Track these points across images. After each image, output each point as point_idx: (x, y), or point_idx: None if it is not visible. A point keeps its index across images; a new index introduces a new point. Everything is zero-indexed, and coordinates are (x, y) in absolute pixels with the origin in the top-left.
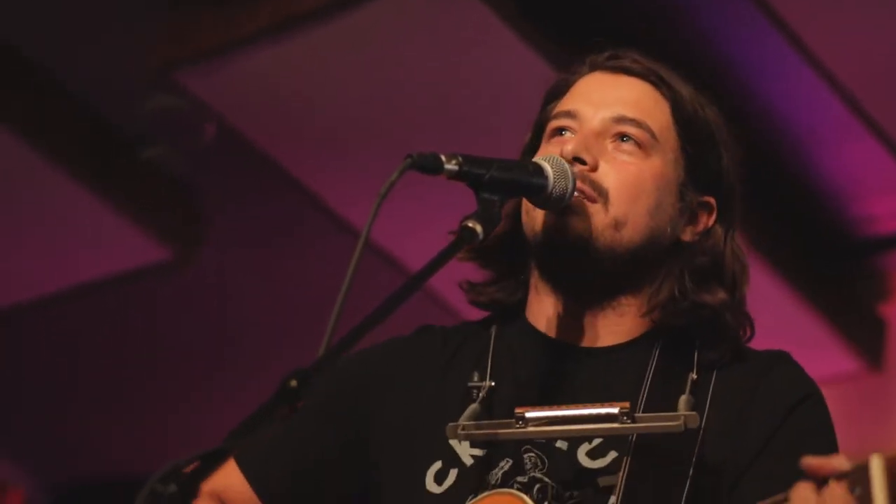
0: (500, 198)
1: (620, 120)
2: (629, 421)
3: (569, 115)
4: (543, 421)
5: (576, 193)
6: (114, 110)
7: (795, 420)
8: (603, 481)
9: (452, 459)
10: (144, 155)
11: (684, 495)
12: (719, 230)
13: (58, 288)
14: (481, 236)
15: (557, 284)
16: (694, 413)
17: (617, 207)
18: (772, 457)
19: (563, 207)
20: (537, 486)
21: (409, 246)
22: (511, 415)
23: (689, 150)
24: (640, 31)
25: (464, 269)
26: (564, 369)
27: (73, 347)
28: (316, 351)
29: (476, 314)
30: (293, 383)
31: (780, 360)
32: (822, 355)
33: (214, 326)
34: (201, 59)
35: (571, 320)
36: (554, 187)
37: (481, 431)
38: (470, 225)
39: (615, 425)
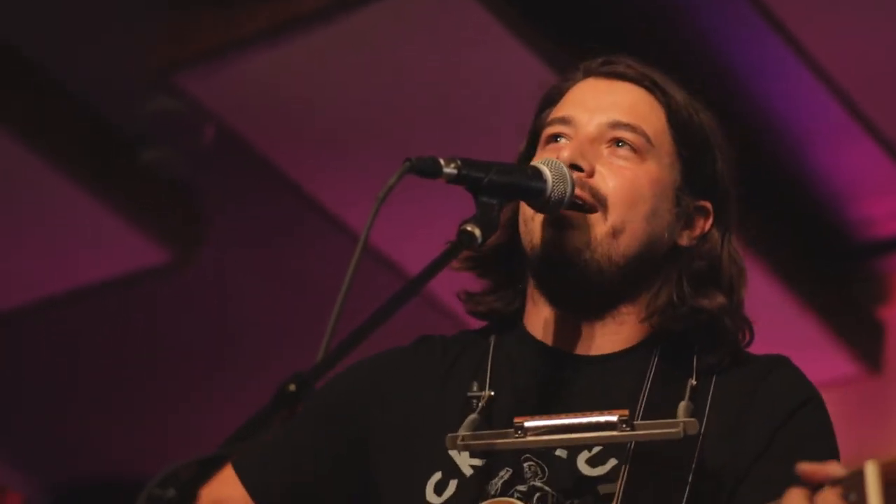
0: (499, 201)
1: (616, 125)
2: (628, 428)
3: (564, 121)
4: (542, 430)
5: (575, 201)
6: (113, 111)
7: (795, 424)
8: (603, 489)
9: (452, 470)
10: (144, 158)
11: (684, 501)
12: (716, 234)
13: (57, 290)
14: (480, 240)
15: (555, 297)
16: (693, 419)
17: (615, 215)
18: (771, 461)
19: (561, 219)
20: (537, 494)
21: (407, 249)
22: (510, 424)
23: (685, 155)
24: (637, 33)
25: (463, 278)
26: (563, 378)
27: (72, 349)
28: (315, 352)
29: (476, 323)
30: (291, 388)
31: (780, 364)
32: (820, 359)
33: (214, 327)
34: (201, 60)
35: (569, 329)
36: (553, 191)
37: (480, 442)
38: (468, 229)
39: (614, 433)
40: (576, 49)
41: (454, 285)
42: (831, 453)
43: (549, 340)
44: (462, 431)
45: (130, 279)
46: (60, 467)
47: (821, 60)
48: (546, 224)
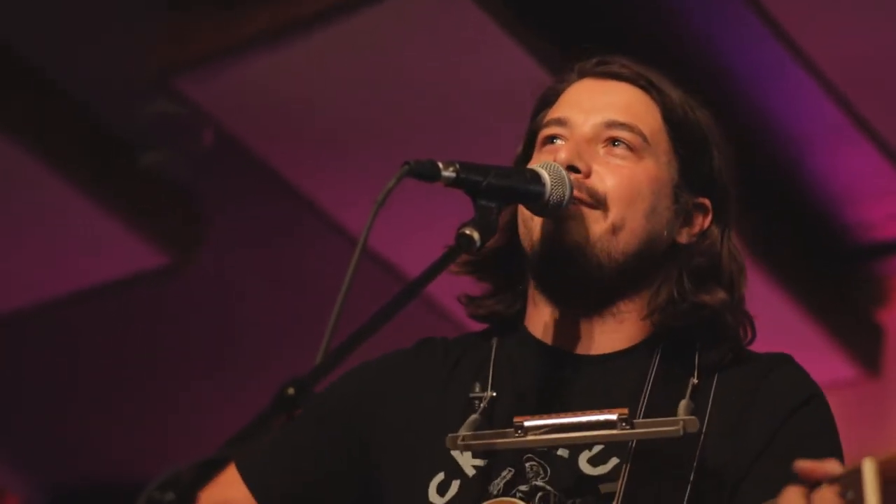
0: (498, 205)
1: (611, 125)
2: (628, 427)
3: (559, 122)
4: (542, 429)
5: (573, 202)
6: (113, 114)
7: (796, 422)
8: (604, 488)
9: (454, 470)
10: (143, 160)
11: (685, 500)
12: (715, 231)
13: (57, 292)
14: (479, 243)
15: (555, 295)
16: (693, 417)
17: (615, 212)
18: (772, 459)
19: (560, 215)
20: (539, 494)
21: (406, 251)
22: (511, 425)
23: (682, 152)
24: (634, 35)
25: (463, 281)
26: (565, 378)
27: (73, 350)
28: (315, 353)
29: (477, 326)
30: (290, 392)
31: (782, 362)
32: (818, 361)
33: (214, 328)
34: (200, 63)
35: (570, 329)
36: (551, 194)
37: (480, 441)
38: (467, 232)
39: (614, 432)
40: (573, 51)
41: (454, 289)
42: (833, 452)
43: (550, 341)
44: (462, 432)
45: (130, 281)
46: (60, 468)
47: (819, 63)
48: (545, 221)
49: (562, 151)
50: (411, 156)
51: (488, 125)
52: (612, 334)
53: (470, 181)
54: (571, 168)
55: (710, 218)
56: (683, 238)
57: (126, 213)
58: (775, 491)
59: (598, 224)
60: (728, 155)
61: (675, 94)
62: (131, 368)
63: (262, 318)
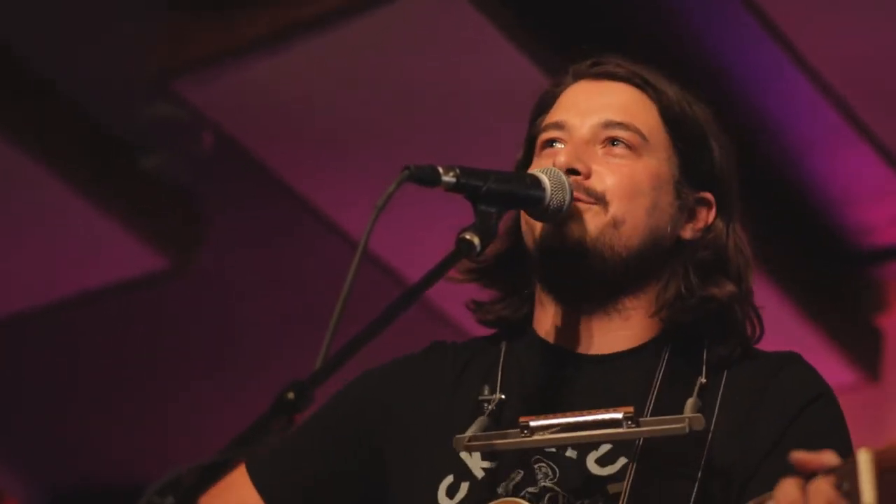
0: (498, 210)
1: (609, 125)
2: (633, 425)
3: (557, 126)
4: (547, 429)
5: (574, 204)
6: (112, 116)
7: (805, 420)
8: (612, 488)
9: (464, 473)
10: (143, 163)
11: (692, 499)
12: (720, 224)
13: (57, 294)
14: (479, 248)
15: (560, 293)
16: (699, 415)
17: (615, 208)
18: (781, 458)
19: (562, 216)
20: (548, 495)
21: (406, 255)
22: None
23: (681, 148)
24: (634, 36)
25: (467, 288)
26: (573, 379)
27: (73, 352)
28: (315, 354)
29: (484, 331)
30: (290, 396)
31: (791, 361)
32: (818, 365)
33: (214, 329)
34: (200, 65)
35: (577, 329)
36: (551, 199)
37: (486, 442)
38: (467, 237)
39: (619, 430)
40: (572, 51)
41: (458, 295)
42: (843, 450)
43: (557, 342)
44: (469, 433)
45: (130, 282)
46: (60, 469)
47: (817, 64)
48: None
49: (561, 154)
50: (410, 157)
51: (487, 126)
52: (618, 332)
53: (470, 186)
54: (571, 171)
55: (714, 212)
56: (688, 233)
57: (126, 214)
58: None
59: (599, 219)
60: (728, 148)
61: (671, 90)
62: (131, 369)
63: (262, 318)
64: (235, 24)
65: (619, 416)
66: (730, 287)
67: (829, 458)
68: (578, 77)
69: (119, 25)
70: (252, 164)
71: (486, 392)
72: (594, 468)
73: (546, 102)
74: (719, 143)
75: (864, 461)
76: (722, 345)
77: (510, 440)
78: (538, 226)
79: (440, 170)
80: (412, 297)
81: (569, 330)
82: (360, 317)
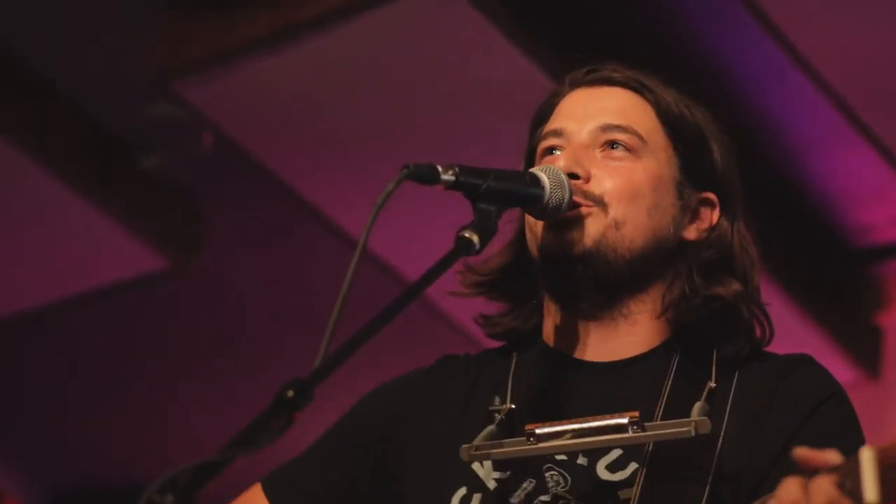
0: (497, 208)
1: (606, 128)
2: (639, 430)
3: (556, 133)
4: (553, 436)
5: (574, 206)
6: (112, 116)
7: (816, 421)
8: (623, 494)
9: (476, 484)
10: (143, 163)
11: (703, 503)
12: (725, 224)
13: (57, 294)
14: (478, 246)
15: (565, 300)
16: (705, 418)
17: (616, 210)
18: (791, 461)
19: (561, 220)
20: (560, 502)
21: (405, 254)
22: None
23: (681, 149)
24: (634, 36)
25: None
26: (582, 387)
27: (73, 353)
28: (314, 354)
29: (496, 344)
30: (290, 394)
31: (802, 363)
32: None
33: (214, 329)
34: (200, 66)
35: (585, 337)
36: (550, 197)
37: (492, 451)
38: (466, 235)
39: (625, 435)
40: (572, 52)
41: (464, 303)
42: (855, 450)
43: (566, 350)
44: (476, 442)
45: (130, 283)
46: (60, 469)
47: (817, 64)
48: (549, 226)
49: (560, 160)
50: (410, 157)
51: (487, 126)
52: (625, 339)
53: (469, 184)
54: (571, 175)
55: (717, 212)
56: (692, 234)
57: (126, 215)
58: None
59: (600, 222)
60: (729, 147)
61: (668, 92)
62: (131, 369)
63: (262, 318)
64: (235, 23)
65: (624, 420)
66: (735, 286)
67: (831, 456)
68: (575, 85)
69: (119, 25)
70: (252, 164)
71: (496, 402)
72: (605, 474)
73: (544, 113)
74: (719, 142)
75: (867, 459)
76: (729, 345)
77: (515, 448)
78: (541, 233)
79: (439, 168)
80: (411, 295)
81: (577, 338)
82: (360, 315)
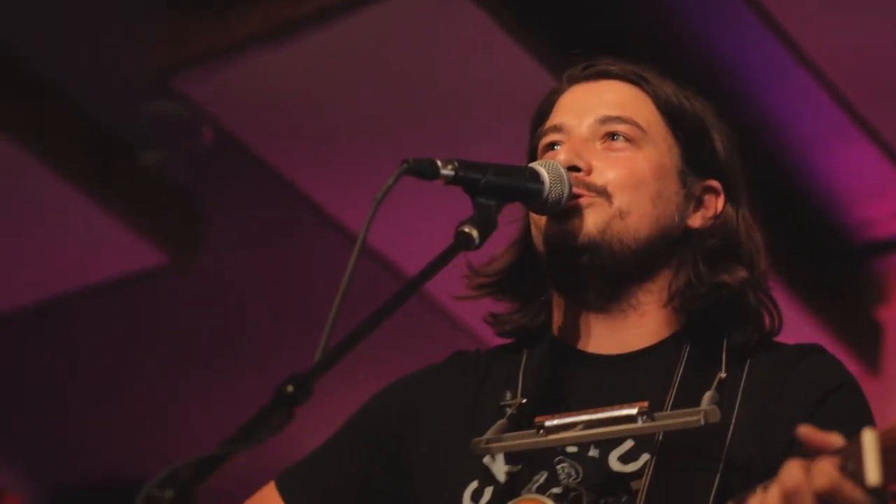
0: (497, 203)
1: (606, 120)
2: (648, 420)
3: (556, 129)
4: (562, 428)
5: (575, 198)
6: (112, 114)
7: (827, 410)
8: (635, 485)
9: (487, 478)
10: (143, 160)
11: (713, 493)
12: (730, 211)
13: (57, 291)
14: (477, 241)
15: (573, 292)
16: (714, 407)
17: (619, 199)
18: (802, 449)
19: (563, 211)
20: (572, 494)
21: (405, 249)
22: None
23: (682, 138)
24: (634, 36)
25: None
26: (593, 380)
27: (72, 350)
28: (314, 352)
29: (506, 340)
30: (289, 389)
31: (812, 352)
32: None
33: (214, 327)
34: (200, 63)
35: (595, 330)
36: (550, 192)
37: (502, 444)
38: (466, 230)
39: (635, 425)
40: (572, 51)
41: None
42: None
43: (576, 344)
44: (486, 436)
45: (130, 281)
46: (60, 469)
47: (819, 62)
48: (553, 219)
49: (560, 153)
50: (411, 153)
51: (488, 122)
52: (634, 330)
53: (468, 179)
54: (572, 168)
55: (722, 199)
56: (697, 222)
57: (126, 213)
58: None
59: (604, 212)
60: (731, 136)
61: (666, 84)
62: (132, 368)
63: (262, 317)
64: (235, 20)
65: (633, 411)
66: (741, 273)
67: (833, 438)
68: (572, 81)
69: (119, 25)
70: (252, 161)
71: (507, 397)
72: (617, 465)
73: (544, 111)
74: (720, 131)
75: (869, 441)
76: (738, 333)
77: (525, 440)
78: (545, 227)
79: (439, 163)
80: (411, 290)
81: (586, 331)
82: (359, 310)
